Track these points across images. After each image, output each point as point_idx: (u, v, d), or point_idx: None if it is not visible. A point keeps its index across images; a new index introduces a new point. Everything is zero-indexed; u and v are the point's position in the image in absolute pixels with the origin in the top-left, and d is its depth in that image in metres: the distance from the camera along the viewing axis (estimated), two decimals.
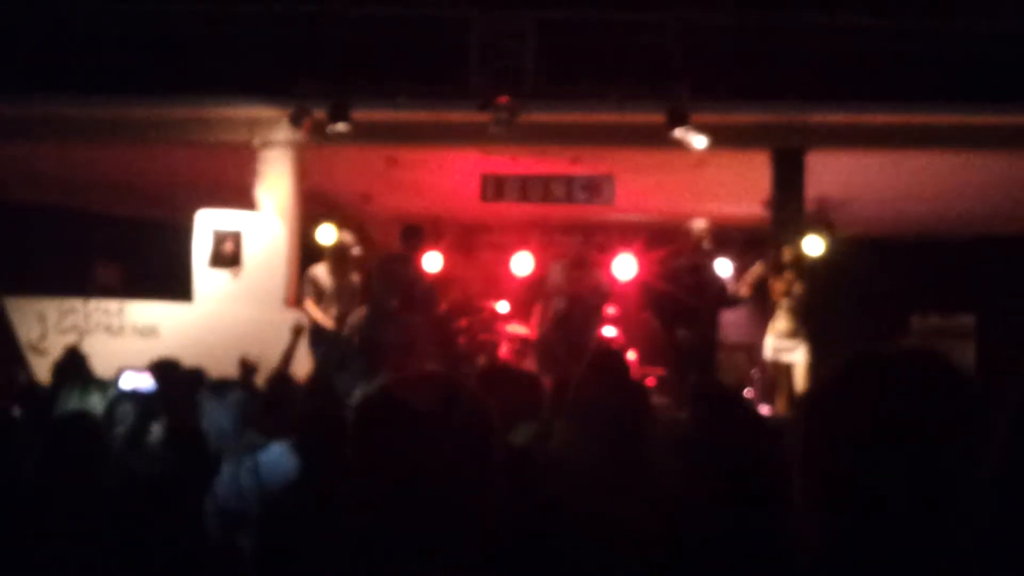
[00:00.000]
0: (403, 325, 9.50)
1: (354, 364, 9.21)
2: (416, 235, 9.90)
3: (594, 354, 4.90)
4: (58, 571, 3.42)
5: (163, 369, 6.03)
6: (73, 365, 6.85)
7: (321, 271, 9.84)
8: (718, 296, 9.61)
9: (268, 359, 8.17)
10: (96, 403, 5.16)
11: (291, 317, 10.12)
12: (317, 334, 9.50)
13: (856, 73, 10.41)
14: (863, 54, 10.47)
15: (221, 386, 5.25)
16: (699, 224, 9.61)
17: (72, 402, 5.24)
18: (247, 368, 8.06)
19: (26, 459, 4.18)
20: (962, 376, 1.43)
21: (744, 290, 9.78)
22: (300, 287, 10.00)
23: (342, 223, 10.59)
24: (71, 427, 4.24)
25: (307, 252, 10.75)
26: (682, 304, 9.27)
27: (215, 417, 4.97)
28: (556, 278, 9.94)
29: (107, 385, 5.39)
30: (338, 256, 9.89)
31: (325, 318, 9.64)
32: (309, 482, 3.87)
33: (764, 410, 8.88)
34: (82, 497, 3.67)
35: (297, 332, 8.65)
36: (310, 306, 9.70)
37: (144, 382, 4.84)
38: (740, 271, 10.37)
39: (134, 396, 4.92)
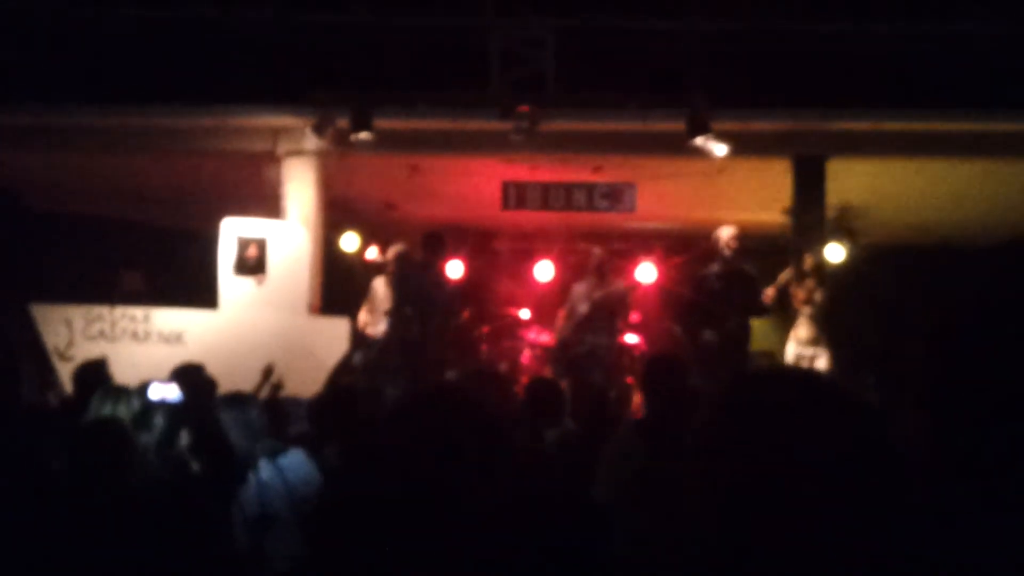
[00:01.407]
0: (423, 332, 9.57)
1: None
2: (437, 243, 9.95)
3: (649, 363, 4.93)
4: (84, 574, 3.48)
5: (187, 375, 6.09)
6: (94, 373, 6.90)
7: (380, 281, 10.54)
8: (748, 303, 9.60)
9: (291, 366, 8.23)
10: (123, 410, 5.23)
11: (315, 324, 10.23)
12: (360, 340, 10.16)
13: (877, 80, 10.39)
14: (884, 61, 10.45)
15: (233, 400, 5.30)
16: (726, 232, 9.68)
17: (101, 408, 5.31)
18: (273, 385, 8.11)
19: (52, 463, 4.25)
20: (844, 400, 1.41)
21: (769, 296, 9.81)
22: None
23: (369, 234, 10.96)
24: (101, 433, 4.30)
25: (331, 260, 10.86)
26: (707, 310, 9.27)
27: (231, 430, 5.03)
28: (579, 287, 9.97)
29: (133, 392, 5.46)
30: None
31: (366, 325, 10.34)
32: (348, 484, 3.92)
33: None
34: (111, 502, 3.73)
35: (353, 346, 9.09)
36: (360, 313, 10.44)
37: (171, 391, 4.89)
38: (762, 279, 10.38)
39: (163, 405, 4.98)
